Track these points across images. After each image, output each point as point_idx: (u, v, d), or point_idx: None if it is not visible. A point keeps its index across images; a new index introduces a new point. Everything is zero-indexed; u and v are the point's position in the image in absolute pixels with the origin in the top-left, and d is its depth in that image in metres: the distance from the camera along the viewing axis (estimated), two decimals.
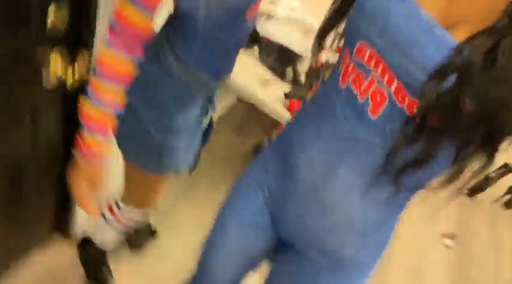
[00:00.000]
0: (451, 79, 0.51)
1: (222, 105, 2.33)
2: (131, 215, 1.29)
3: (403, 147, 0.56)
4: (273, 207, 0.81)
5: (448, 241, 2.56)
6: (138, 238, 1.68)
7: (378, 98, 0.60)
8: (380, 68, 0.59)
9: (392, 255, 2.29)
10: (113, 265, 1.54)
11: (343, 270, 0.79)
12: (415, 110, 0.55)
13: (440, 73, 0.51)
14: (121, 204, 1.26)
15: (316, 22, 1.85)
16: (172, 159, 1.07)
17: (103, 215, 1.30)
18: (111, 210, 1.28)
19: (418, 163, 0.56)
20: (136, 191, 1.24)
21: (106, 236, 1.37)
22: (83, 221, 1.51)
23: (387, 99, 0.59)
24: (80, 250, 1.47)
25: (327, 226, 0.73)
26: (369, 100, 0.61)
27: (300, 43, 1.85)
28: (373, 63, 0.60)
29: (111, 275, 1.51)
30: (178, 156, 1.07)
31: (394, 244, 2.51)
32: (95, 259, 1.47)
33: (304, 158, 0.71)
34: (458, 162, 0.54)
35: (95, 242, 1.41)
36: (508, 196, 3.13)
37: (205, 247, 0.95)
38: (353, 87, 0.63)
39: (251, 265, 0.95)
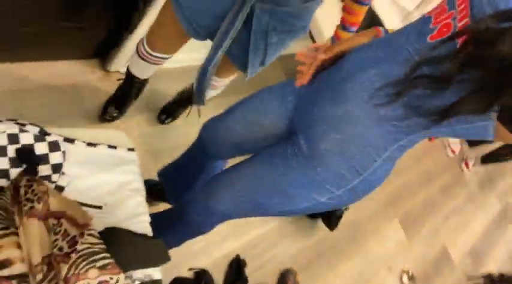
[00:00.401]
0: (507, 24, 0.57)
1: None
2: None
3: (430, 60, 0.63)
4: (305, 93, 0.92)
5: (405, 279, 2.59)
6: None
7: (444, 30, 0.67)
8: (463, 5, 0.65)
9: (353, 258, 2.36)
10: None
11: (314, 167, 0.86)
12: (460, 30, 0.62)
13: (503, 15, 0.58)
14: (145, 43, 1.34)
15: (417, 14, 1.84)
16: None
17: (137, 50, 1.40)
18: (143, 46, 1.37)
19: (432, 79, 0.62)
20: (159, 29, 1.30)
21: (140, 68, 1.48)
22: (125, 58, 1.62)
23: (450, 32, 0.66)
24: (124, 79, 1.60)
25: (328, 116, 0.82)
26: (436, 29, 0.68)
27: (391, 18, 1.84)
28: (461, 0, 0.66)
29: (124, 110, 1.66)
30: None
31: (361, 249, 2.54)
32: (131, 86, 1.59)
33: (354, 55, 0.82)
34: (461, 103, 0.60)
35: (134, 74, 1.52)
36: (480, 281, 3.11)
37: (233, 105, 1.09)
38: (433, 16, 0.71)
39: (251, 140, 1.05)
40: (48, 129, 0.88)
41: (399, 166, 3.28)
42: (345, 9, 1.07)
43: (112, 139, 0.98)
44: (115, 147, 0.97)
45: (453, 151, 3.49)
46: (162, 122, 1.83)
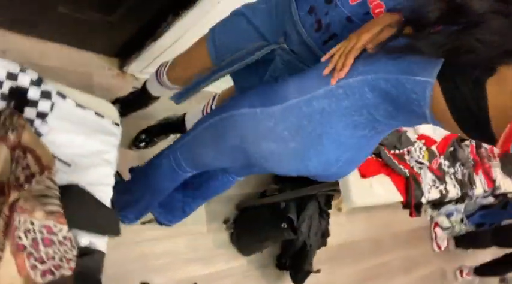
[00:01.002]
0: None
1: None
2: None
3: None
4: None
5: None
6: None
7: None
8: None
9: None
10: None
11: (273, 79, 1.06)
12: None
13: None
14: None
15: None
16: None
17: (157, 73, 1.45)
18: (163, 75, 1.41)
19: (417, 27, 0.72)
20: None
21: (156, 88, 1.53)
22: (143, 63, 1.72)
23: None
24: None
25: None
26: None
27: None
28: None
29: (127, 113, 1.71)
30: None
31: None
32: (141, 98, 1.65)
33: None
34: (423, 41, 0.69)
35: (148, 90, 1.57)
36: None
37: None
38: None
39: None
40: (46, 80, 0.94)
41: (383, 244, 3.25)
42: None
43: (103, 110, 1.03)
44: (102, 116, 1.01)
45: (439, 247, 3.41)
46: (137, 147, 1.77)
